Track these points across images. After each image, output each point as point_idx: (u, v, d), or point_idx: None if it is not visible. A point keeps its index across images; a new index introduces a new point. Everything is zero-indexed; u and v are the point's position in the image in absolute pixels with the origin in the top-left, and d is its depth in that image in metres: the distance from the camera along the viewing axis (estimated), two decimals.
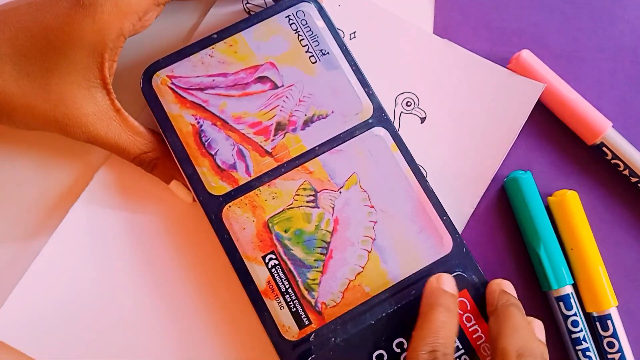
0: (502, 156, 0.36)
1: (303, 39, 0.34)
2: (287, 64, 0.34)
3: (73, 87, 0.31)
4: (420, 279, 0.32)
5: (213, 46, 0.34)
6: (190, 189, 0.33)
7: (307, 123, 0.33)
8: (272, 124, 0.33)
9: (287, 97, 0.34)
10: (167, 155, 0.33)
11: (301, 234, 0.32)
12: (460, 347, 0.31)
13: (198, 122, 0.33)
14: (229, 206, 0.32)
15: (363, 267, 0.32)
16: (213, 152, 0.33)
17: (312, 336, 0.31)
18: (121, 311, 0.34)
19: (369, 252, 0.32)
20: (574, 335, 0.34)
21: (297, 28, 0.34)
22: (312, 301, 0.32)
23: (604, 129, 0.35)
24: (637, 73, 0.37)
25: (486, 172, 0.36)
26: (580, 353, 0.33)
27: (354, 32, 0.37)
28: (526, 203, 0.34)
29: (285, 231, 0.32)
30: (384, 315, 0.32)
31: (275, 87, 0.34)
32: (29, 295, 0.34)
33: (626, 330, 0.34)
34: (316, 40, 0.34)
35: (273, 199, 0.33)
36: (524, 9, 0.38)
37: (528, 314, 0.31)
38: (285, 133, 0.33)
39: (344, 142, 0.33)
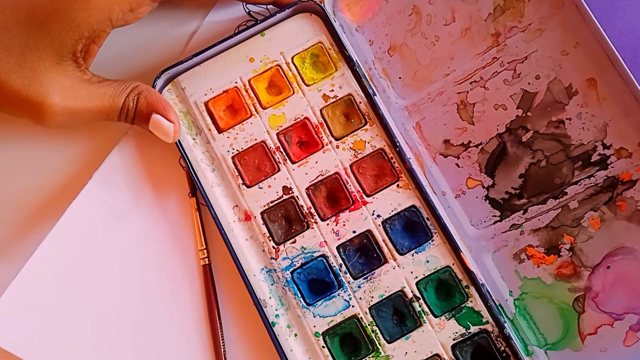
0: None
1: None
2: None
3: (47, 63, 0.31)
4: None
5: None
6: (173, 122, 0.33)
7: None
8: None
9: None
10: (148, 88, 0.33)
11: None
12: None
13: None
14: None
15: None
16: None
17: None
18: (120, 311, 0.34)
19: None
20: None
21: None
22: None
23: None
24: (637, 73, 0.37)
25: None
26: None
27: None
28: None
29: None
30: None
31: None
32: (26, 295, 0.34)
33: None
34: None
35: None
36: None
37: None
38: None
39: None
